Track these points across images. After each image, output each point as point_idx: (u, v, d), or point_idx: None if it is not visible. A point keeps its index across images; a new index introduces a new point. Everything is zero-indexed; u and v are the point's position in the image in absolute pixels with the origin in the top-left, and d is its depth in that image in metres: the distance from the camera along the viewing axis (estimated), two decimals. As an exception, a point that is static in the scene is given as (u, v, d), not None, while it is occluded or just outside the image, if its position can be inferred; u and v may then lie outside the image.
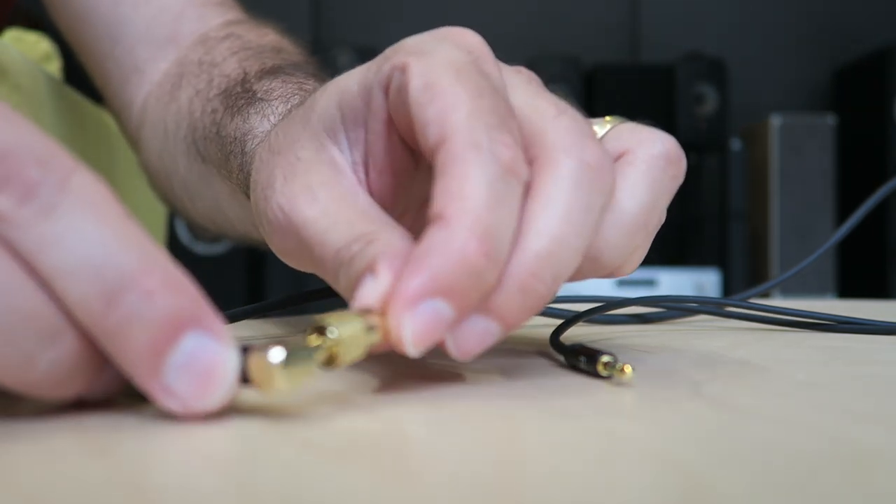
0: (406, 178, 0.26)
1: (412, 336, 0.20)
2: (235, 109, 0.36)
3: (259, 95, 0.36)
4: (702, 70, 2.45)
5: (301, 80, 0.36)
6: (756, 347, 0.33)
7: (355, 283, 0.22)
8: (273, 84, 0.36)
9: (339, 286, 0.24)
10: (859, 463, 0.16)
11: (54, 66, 0.65)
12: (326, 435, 0.18)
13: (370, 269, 0.22)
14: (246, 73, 0.39)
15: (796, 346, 0.34)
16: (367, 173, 0.26)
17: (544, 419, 0.20)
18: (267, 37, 0.47)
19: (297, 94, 0.35)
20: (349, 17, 2.68)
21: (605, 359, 0.24)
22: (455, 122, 0.22)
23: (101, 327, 0.18)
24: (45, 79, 0.58)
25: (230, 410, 0.20)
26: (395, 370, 0.27)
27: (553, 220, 0.22)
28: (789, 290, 2.34)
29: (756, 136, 2.53)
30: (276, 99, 0.35)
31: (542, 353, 0.31)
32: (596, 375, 0.25)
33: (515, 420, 0.20)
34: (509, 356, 0.31)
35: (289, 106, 0.34)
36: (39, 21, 0.71)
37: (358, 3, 2.68)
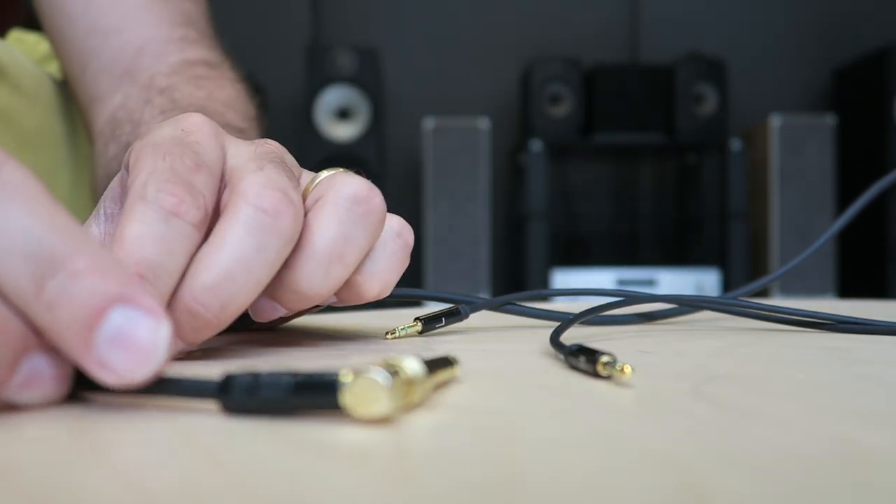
0: None
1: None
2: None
3: None
4: (702, 70, 2.45)
5: None
6: (756, 347, 0.33)
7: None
8: None
9: None
10: (859, 463, 0.16)
11: (54, 67, 0.65)
12: (326, 435, 0.18)
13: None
14: None
15: (796, 346, 0.34)
16: None
17: (544, 419, 0.20)
18: (199, 90, 0.50)
19: None
20: (349, 17, 2.68)
21: (604, 359, 0.24)
22: (133, 183, 0.26)
23: (33, 308, 0.19)
24: (46, 79, 0.58)
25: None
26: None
27: (223, 257, 0.25)
28: (789, 289, 2.34)
29: (756, 136, 2.53)
30: None
31: (542, 353, 0.31)
32: (596, 375, 0.25)
33: (515, 420, 0.20)
34: (509, 356, 0.31)
35: None
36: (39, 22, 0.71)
37: (358, 3, 2.68)
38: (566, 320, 0.35)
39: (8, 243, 0.19)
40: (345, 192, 0.29)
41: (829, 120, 2.38)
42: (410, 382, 0.20)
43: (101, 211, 0.30)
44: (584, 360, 0.25)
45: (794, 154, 2.37)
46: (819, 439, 0.18)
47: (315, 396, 0.19)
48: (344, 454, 0.17)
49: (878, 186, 0.44)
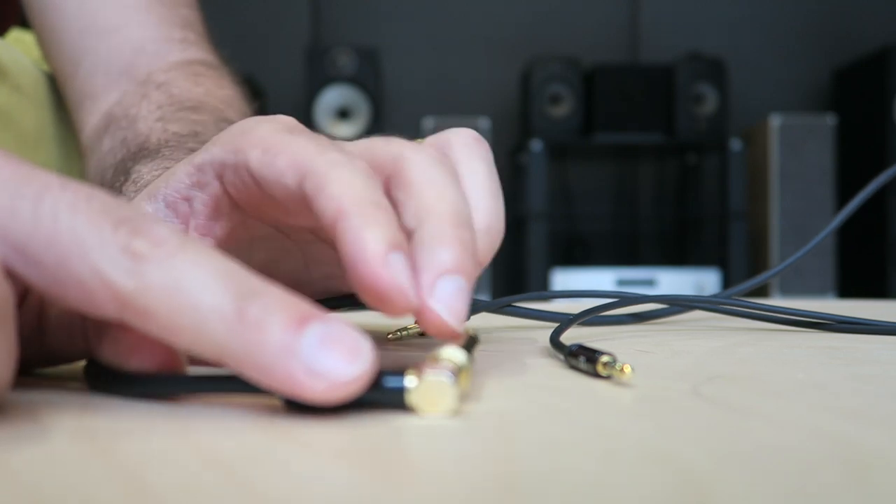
0: (249, 247, 0.30)
1: (409, 287, 0.22)
2: (114, 189, 0.40)
3: (127, 187, 0.39)
4: (702, 70, 2.45)
5: (171, 165, 0.40)
6: (756, 347, 0.33)
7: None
8: (144, 170, 0.39)
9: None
10: (859, 463, 0.16)
11: (54, 67, 0.65)
12: (326, 435, 0.18)
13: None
14: (144, 143, 0.43)
15: (796, 346, 0.34)
16: (186, 227, 0.29)
17: (544, 419, 0.20)
18: (198, 86, 0.49)
19: None
20: (349, 17, 2.68)
21: (604, 359, 0.24)
22: (309, 156, 0.25)
23: (234, 328, 0.19)
24: (45, 79, 0.58)
25: (230, 411, 0.20)
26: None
27: (441, 203, 0.25)
28: (789, 288, 2.34)
29: (756, 136, 2.53)
30: (139, 190, 0.38)
31: (542, 353, 0.31)
32: (596, 375, 0.25)
33: (515, 420, 0.20)
34: (509, 356, 0.31)
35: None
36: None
37: (358, 3, 2.68)
38: (566, 321, 0.35)
39: (209, 272, 0.19)
40: (463, 135, 0.31)
41: (829, 120, 2.37)
42: (464, 372, 0.21)
43: (161, 198, 0.29)
44: (584, 360, 0.25)
45: (793, 154, 2.37)
46: (819, 439, 0.18)
47: (382, 396, 0.20)
48: (344, 454, 0.17)
49: (876, 182, 0.44)
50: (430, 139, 0.31)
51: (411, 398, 0.20)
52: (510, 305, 0.40)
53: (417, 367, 0.20)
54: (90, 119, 0.52)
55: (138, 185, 0.38)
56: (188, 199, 0.28)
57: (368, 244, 0.22)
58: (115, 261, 0.19)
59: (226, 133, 0.28)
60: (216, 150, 0.27)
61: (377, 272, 0.22)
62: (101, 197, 0.20)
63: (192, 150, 0.43)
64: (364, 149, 0.27)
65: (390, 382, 0.20)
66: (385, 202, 0.24)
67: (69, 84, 0.54)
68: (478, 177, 0.29)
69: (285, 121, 0.28)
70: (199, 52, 0.54)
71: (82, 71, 0.53)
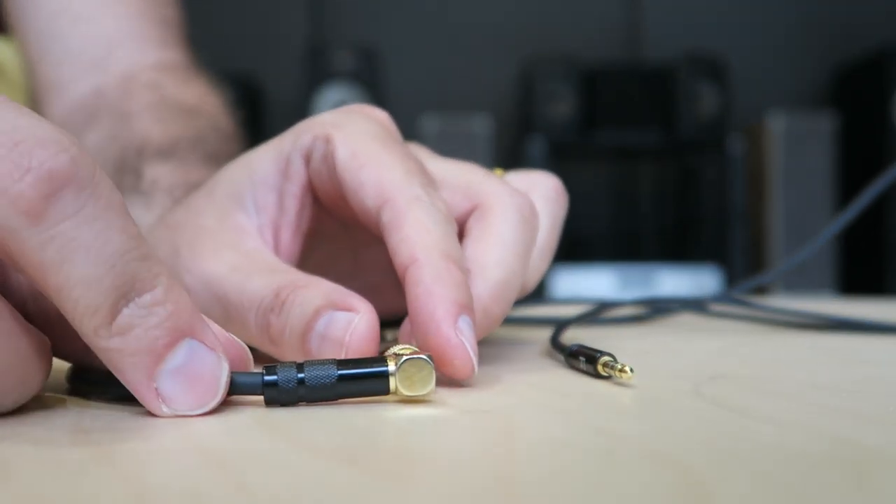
0: (315, 241, 0.29)
1: (473, 352, 0.23)
2: (121, 188, 0.39)
3: (143, 187, 0.39)
4: (702, 70, 2.45)
5: (189, 169, 0.39)
6: (756, 347, 0.33)
7: (301, 326, 0.24)
8: (162, 171, 0.39)
9: (265, 333, 0.25)
10: (859, 463, 0.16)
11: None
12: (326, 435, 0.18)
13: (333, 307, 0.23)
14: (145, 143, 0.42)
15: (796, 346, 0.34)
16: (276, 235, 0.28)
17: (544, 419, 0.20)
18: (190, 92, 0.49)
19: (181, 186, 0.38)
20: (349, 17, 2.68)
21: (604, 359, 0.24)
22: (393, 182, 0.25)
23: (102, 332, 0.18)
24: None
25: (230, 411, 0.20)
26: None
27: (507, 255, 0.26)
28: (789, 285, 2.34)
29: (756, 136, 2.53)
30: (161, 191, 0.38)
31: (542, 354, 0.31)
32: (596, 375, 0.25)
33: (515, 420, 0.20)
34: (509, 356, 0.31)
35: (173, 198, 0.37)
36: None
37: (358, 3, 2.68)
38: (565, 321, 0.35)
39: (100, 266, 0.18)
40: (548, 185, 0.31)
41: (830, 119, 2.37)
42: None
43: (249, 201, 0.28)
44: (585, 360, 0.25)
45: (794, 153, 2.37)
46: (819, 439, 0.18)
47: (363, 384, 0.20)
48: (344, 454, 0.17)
49: (883, 181, 0.43)
50: (515, 177, 0.31)
51: (393, 382, 0.20)
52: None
53: (390, 356, 0.21)
54: (54, 110, 0.50)
55: (159, 186, 0.38)
56: (279, 194, 0.28)
57: (439, 306, 0.22)
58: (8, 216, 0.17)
59: (314, 122, 0.28)
60: (305, 137, 0.27)
61: (447, 336, 0.22)
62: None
63: (207, 155, 0.42)
64: (455, 173, 0.28)
65: (371, 367, 0.20)
66: (457, 253, 0.24)
67: (36, 69, 0.52)
68: (541, 234, 0.29)
69: (379, 118, 0.28)
70: (177, 53, 0.53)
71: (50, 58, 0.51)
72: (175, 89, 0.48)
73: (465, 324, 0.23)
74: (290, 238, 0.28)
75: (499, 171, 0.31)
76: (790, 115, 2.43)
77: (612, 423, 0.19)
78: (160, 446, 0.17)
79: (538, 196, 0.30)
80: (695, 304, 0.40)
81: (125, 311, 0.18)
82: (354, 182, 0.26)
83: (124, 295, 0.18)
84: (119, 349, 0.18)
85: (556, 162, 2.62)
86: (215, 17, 2.47)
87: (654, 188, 2.76)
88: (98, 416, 0.20)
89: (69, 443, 0.17)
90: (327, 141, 0.26)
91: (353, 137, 0.26)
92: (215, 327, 0.21)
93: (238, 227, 0.27)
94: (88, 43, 0.50)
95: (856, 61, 2.57)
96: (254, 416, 0.20)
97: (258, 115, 2.33)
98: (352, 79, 2.37)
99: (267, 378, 0.20)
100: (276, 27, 2.65)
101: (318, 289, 0.24)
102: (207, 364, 0.19)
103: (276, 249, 0.28)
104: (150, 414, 0.20)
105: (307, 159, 0.27)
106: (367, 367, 0.20)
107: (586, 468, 0.15)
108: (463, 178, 0.28)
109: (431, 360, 0.21)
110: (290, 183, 0.27)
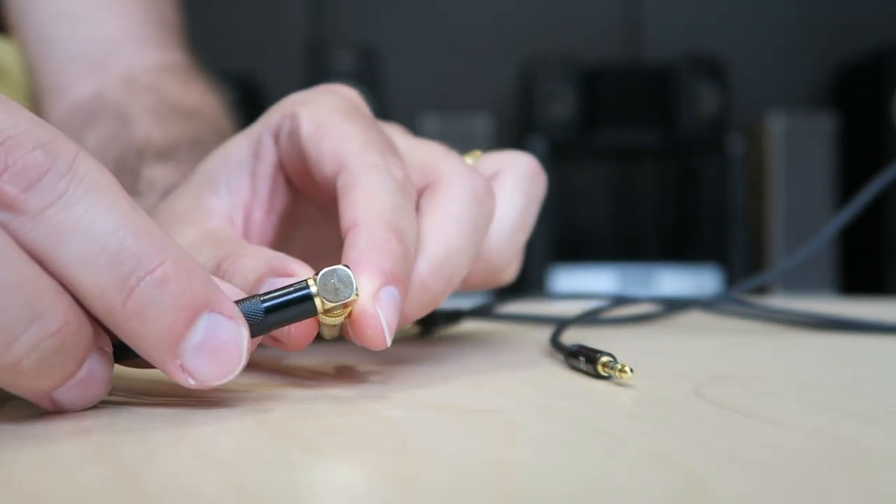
0: (290, 221, 0.29)
1: (387, 324, 0.22)
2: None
3: (141, 188, 0.39)
4: (702, 70, 2.45)
5: (187, 170, 0.40)
6: (756, 347, 0.33)
7: (243, 293, 0.24)
8: (160, 172, 0.39)
9: None
10: (859, 463, 0.16)
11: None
12: (326, 435, 0.18)
13: (274, 273, 0.23)
14: (145, 145, 0.42)
15: (796, 346, 0.34)
16: (248, 217, 0.28)
17: (544, 419, 0.20)
18: (190, 93, 0.49)
19: (177, 186, 0.39)
20: (349, 17, 2.68)
21: (604, 359, 0.24)
22: (350, 150, 0.25)
23: (117, 315, 0.18)
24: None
25: (231, 410, 0.20)
26: (393, 371, 0.27)
27: (450, 230, 0.26)
28: (788, 285, 2.34)
29: (756, 136, 2.53)
30: (158, 192, 0.38)
31: (542, 354, 0.31)
32: (596, 375, 0.25)
33: (515, 420, 0.20)
34: (509, 356, 0.31)
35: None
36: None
37: (358, 3, 2.68)
38: (565, 321, 0.35)
39: (91, 245, 0.18)
40: (523, 164, 0.30)
41: (830, 119, 2.37)
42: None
43: (223, 184, 0.28)
44: (585, 360, 0.25)
45: (794, 153, 2.37)
46: (819, 439, 0.18)
47: (291, 310, 0.21)
48: (344, 454, 0.17)
49: (882, 180, 0.43)
50: (493, 156, 0.31)
51: (319, 302, 0.21)
52: (492, 314, 0.40)
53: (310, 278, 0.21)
54: (54, 112, 0.50)
55: (156, 187, 0.38)
56: (251, 176, 0.28)
57: (363, 273, 0.22)
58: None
59: (283, 101, 0.28)
60: (274, 116, 0.27)
61: (363, 305, 0.22)
62: None
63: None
64: (416, 152, 0.27)
65: (294, 292, 0.21)
66: (403, 223, 0.24)
67: (36, 70, 0.52)
68: (510, 212, 0.29)
69: (347, 94, 0.28)
70: (177, 54, 0.53)
71: (51, 60, 0.51)
72: (175, 91, 0.48)
73: (386, 294, 0.22)
74: (262, 218, 0.28)
75: (477, 153, 0.31)
76: (790, 115, 2.43)
77: (612, 423, 0.19)
78: (161, 446, 0.17)
79: (512, 174, 0.30)
80: (706, 303, 0.40)
81: (137, 291, 0.18)
82: (316, 153, 0.26)
83: (129, 273, 0.18)
84: (138, 333, 0.18)
85: (556, 162, 2.62)
86: (215, 17, 2.47)
87: (654, 188, 2.76)
88: (98, 416, 0.20)
89: (69, 443, 0.17)
90: (293, 117, 0.27)
91: (318, 110, 0.26)
92: (227, 286, 0.21)
93: (207, 210, 0.27)
94: (88, 44, 0.50)
95: (856, 61, 2.57)
96: (254, 416, 0.20)
97: (258, 115, 2.32)
98: (352, 79, 2.37)
99: None
100: (276, 27, 2.64)
101: (259, 257, 0.24)
102: (228, 335, 0.19)
103: (247, 230, 0.28)
104: (150, 414, 0.20)
105: (276, 138, 0.27)
106: (290, 294, 0.21)
107: (586, 468, 0.15)
108: (422, 156, 0.27)
109: (348, 266, 0.21)
110: (262, 163, 0.28)
